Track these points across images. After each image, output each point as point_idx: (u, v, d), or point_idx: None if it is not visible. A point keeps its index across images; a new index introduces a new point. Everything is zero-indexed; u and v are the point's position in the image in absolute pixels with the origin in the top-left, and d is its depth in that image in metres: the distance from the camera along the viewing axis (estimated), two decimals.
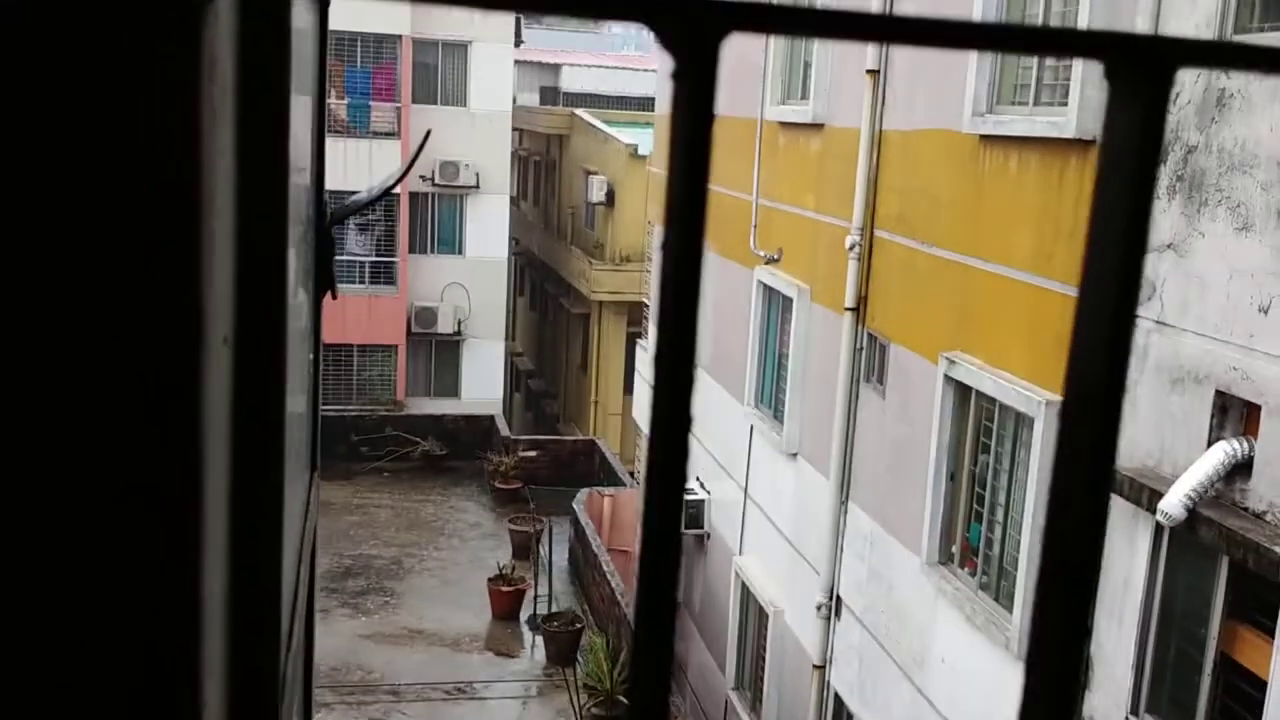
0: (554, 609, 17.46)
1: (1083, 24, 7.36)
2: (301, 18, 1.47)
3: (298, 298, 1.55)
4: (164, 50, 0.48)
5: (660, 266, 0.43)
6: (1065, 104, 7.67)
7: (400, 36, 25.46)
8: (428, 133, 3.99)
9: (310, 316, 1.74)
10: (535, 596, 17.74)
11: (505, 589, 17.79)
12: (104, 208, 0.51)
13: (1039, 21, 8.17)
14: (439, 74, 26.33)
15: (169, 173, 0.50)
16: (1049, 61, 8.17)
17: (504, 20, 26.62)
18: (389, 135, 25.44)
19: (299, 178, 1.60)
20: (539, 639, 17.16)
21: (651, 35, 0.42)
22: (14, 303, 0.52)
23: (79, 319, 0.53)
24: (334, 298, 1.84)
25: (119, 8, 0.48)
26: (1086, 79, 7.33)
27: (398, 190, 25.26)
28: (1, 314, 0.52)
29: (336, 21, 24.27)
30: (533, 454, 23.42)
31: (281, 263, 0.88)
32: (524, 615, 17.91)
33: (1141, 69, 0.45)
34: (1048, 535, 0.49)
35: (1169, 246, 6.66)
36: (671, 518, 0.44)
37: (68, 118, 0.50)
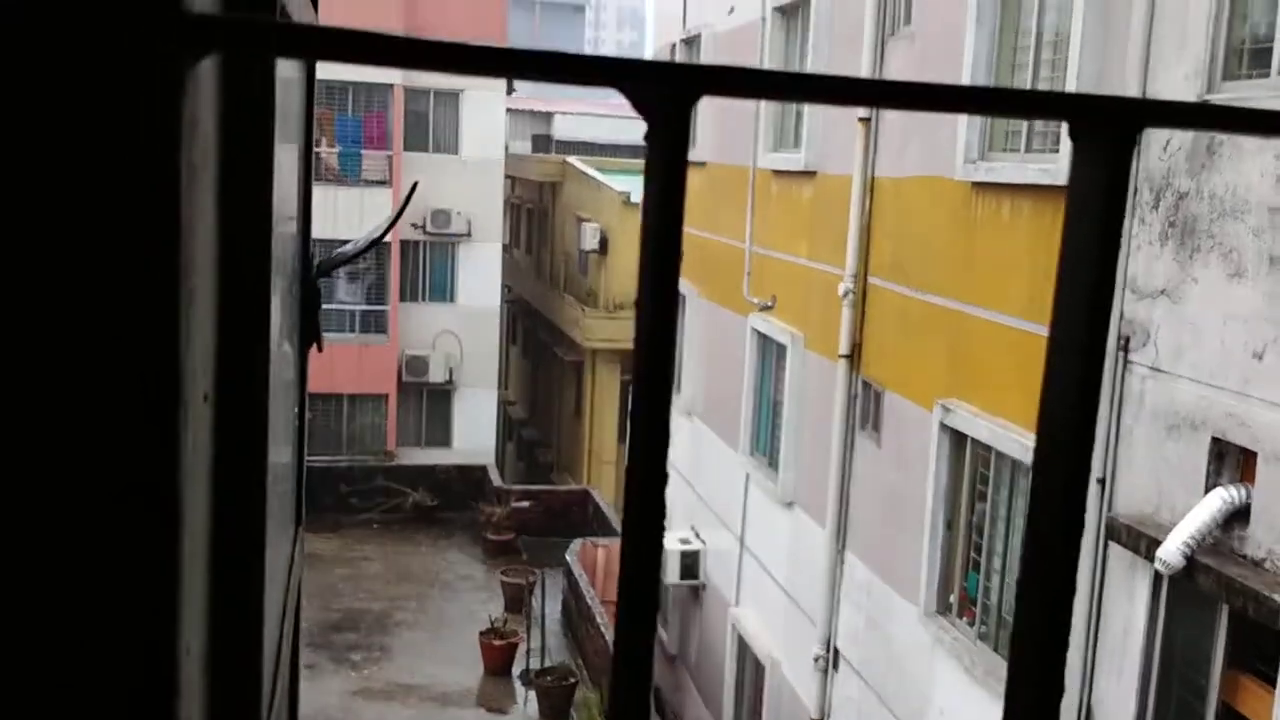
0: (547, 663, 17.26)
1: (1071, 74, 7.41)
2: (288, 68, 1.45)
3: (283, 349, 1.52)
4: (143, 115, 0.47)
5: (636, 323, 0.45)
6: (1056, 151, 7.71)
7: (392, 85, 25.63)
8: (414, 185, 4.04)
9: (296, 369, 1.71)
10: (528, 650, 17.55)
11: (497, 643, 17.60)
12: (80, 271, 0.51)
13: (1029, 72, 8.23)
14: (431, 122, 26.49)
15: (146, 235, 0.49)
16: None
17: None
18: (381, 183, 25.54)
19: (285, 228, 1.57)
20: (531, 694, 16.95)
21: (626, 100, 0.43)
22: None
23: (54, 379, 0.52)
24: (319, 350, 1.81)
25: (99, 72, 0.47)
26: None
27: (388, 239, 25.33)
28: None
29: (328, 71, 24.46)
30: (525, 504, 23.28)
31: (264, 319, 0.87)
32: (516, 670, 17.70)
33: (1105, 130, 0.46)
34: (1025, 567, 0.49)
35: (1162, 292, 6.66)
36: (650, 572, 0.45)
37: (46, 181, 0.50)
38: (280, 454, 1.55)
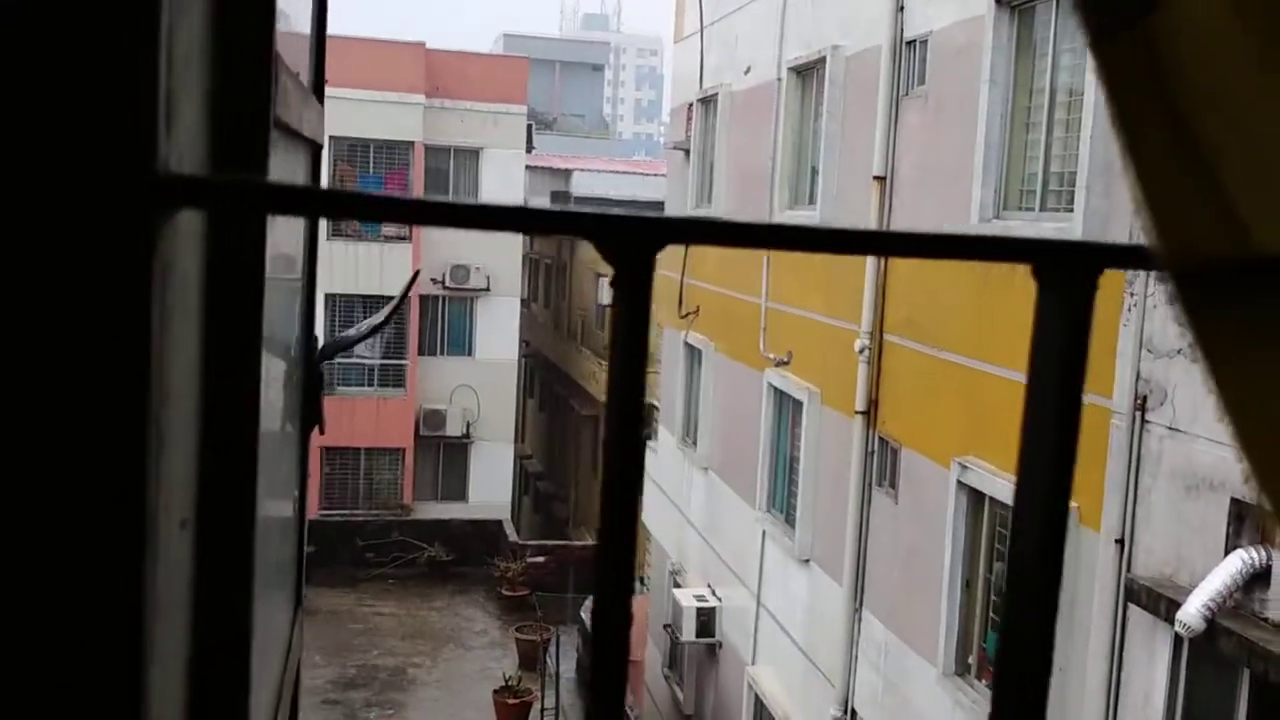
0: None
1: (1085, 132, 7.44)
2: (289, 172, 1.47)
3: (286, 432, 1.53)
4: (113, 266, 0.48)
5: (603, 464, 0.46)
6: (1071, 210, 7.72)
7: (413, 143, 25.92)
8: (415, 273, 4.19)
9: (296, 454, 1.72)
10: (542, 709, 17.39)
11: (511, 701, 17.45)
12: (43, 404, 0.51)
13: (1043, 131, 8.27)
14: (450, 179, 26.73)
15: (113, 376, 0.49)
16: (1054, 167, 8.25)
17: (516, 126, 27.10)
18: (400, 240, 25.74)
19: (289, 319, 1.59)
20: None
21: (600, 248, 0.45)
22: None
23: (10, 511, 0.51)
24: (321, 433, 1.82)
25: (72, 224, 0.49)
26: (1092, 186, 7.39)
27: (408, 295, 25.46)
28: None
29: (349, 128, 24.79)
30: (540, 559, 23.19)
31: (252, 438, 0.87)
32: None
33: (1067, 272, 0.48)
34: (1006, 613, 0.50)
35: (1179, 352, 6.64)
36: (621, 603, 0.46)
37: (20, 321, 0.50)
38: (282, 534, 1.55)
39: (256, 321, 0.85)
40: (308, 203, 0.56)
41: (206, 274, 0.73)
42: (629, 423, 0.44)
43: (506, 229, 0.46)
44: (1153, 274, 6.73)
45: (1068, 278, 0.48)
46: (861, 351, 10.54)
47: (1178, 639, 6.45)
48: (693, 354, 15.94)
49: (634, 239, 0.44)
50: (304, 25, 1.94)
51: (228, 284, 0.77)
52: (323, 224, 25.54)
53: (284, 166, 1.24)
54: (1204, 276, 0.44)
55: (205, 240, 0.73)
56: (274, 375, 1.29)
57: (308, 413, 1.73)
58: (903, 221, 10.17)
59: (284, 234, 1.36)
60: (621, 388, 0.44)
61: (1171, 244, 0.44)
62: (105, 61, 0.48)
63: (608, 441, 0.45)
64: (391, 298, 25.43)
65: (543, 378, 32.59)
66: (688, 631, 14.52)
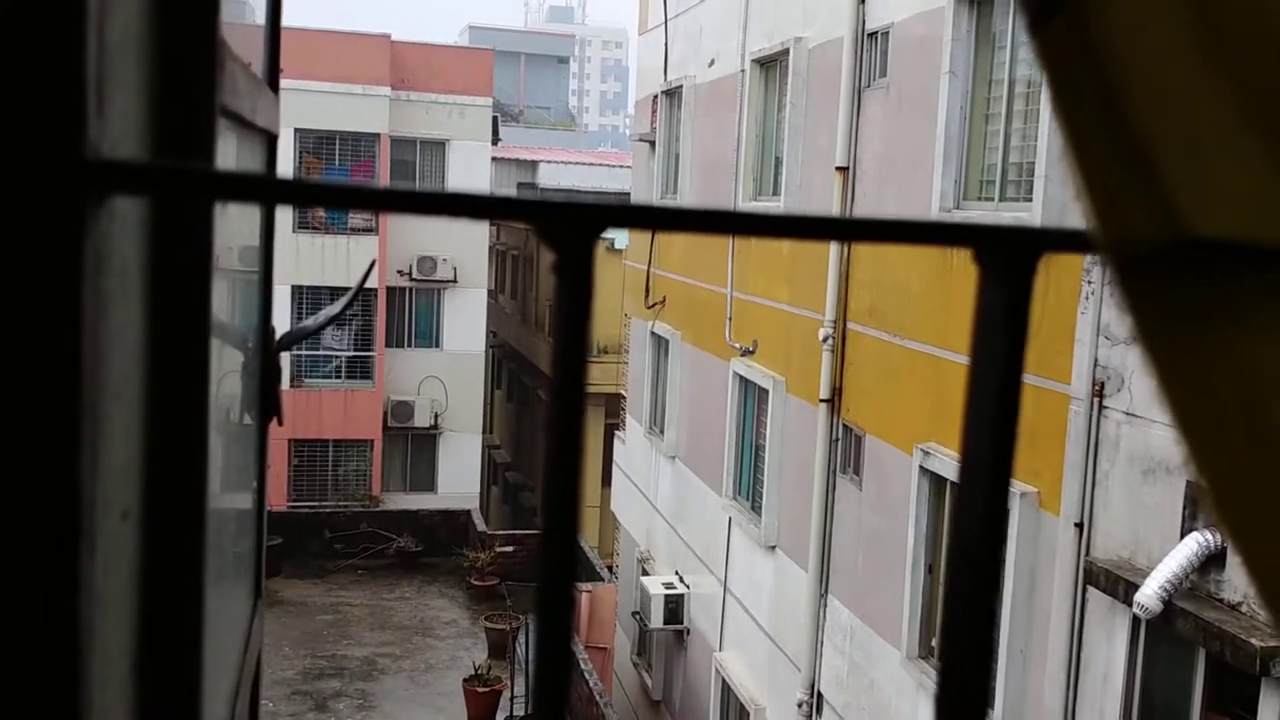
0: (531, 710, 17.12)
1: (1044, 123, 7.52)
2: (245, 163, 1.47)
3: (243, 423, 1.54)
4: (40, 253, 0.48)
5: (546, 438, 0.48)
6: (1030, 199, 7.81)
7: (378, 135, 25.77)
8: (372, 263, 4.14)
9: (255, 444, 1.73)
10: (512, 697, 17.41)
11: (481, 689, 17.46)
12: None
13: (1002, 122, 8.35)
14: (417, 171, 26.60)
15: (38, 359, 0.50)
16: (1013, 157, 8.33)
17: (481, 118, 27.00)
18: (367, 231, 25.61)
19: (246, 309, 1.60)
20: None
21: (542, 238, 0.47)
22: None
23: None
24: (279, 424, 1.84)
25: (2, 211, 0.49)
26: (1050, 175, 7.47)
27: (375, 285, 25.36)
28: None
29: (314, 120, 24.62)
30: (509, 549, 23.17)
31: (201, 425, 0.88)
32: (500, 716, 17.55)
33: (1007, 257, 0.48)
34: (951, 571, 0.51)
35: (1135, 339, 6.72)
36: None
37: None
38: (241, 524, 1.57)
39: (204, 310, 0.86)
40: (244, 188, 0.57)
41: (151, 262, 0.74)
42: (570, 406, 0.46)
43: (445, 214, 0.47)
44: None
45: (1008, 262, 0.49)
46: (825, 340, 10.61)
47: (1136, 620, 6.56)
48: (659, 344, 15.98)
49: (572, 223, 0.45)
50: (258, 16, 1.94)
51: (172, 272, 0.77)
52: (288, 216, 25.34)
53: (235, 156, 1.25)
54: (1140, 260, 0.44)
55: (149, 228, 0.74)
56: (229, 365, 1.30)
57: (265, 403, 1.74)
58: (865, 211, 10.23)
59: (237, 224, 1.38)
60: (564, 371, 0.46)
61: (1109, 228, 0.44)
62: (28, 43, 0.49)
63: (549, 424, 0.46)
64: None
65: (510, 369, 32.53)
66: (656, 618, 14.58)
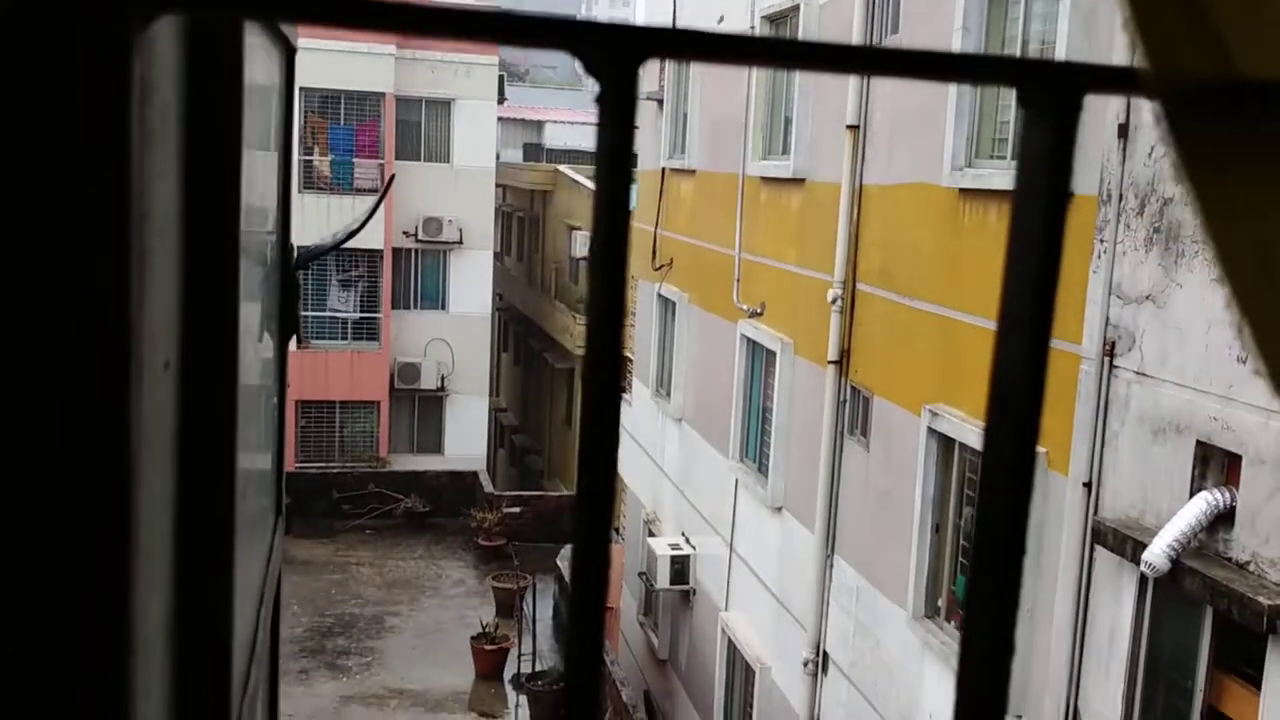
0: (538, 668, 17.26)
1: (1061, 40, 7.43)
2: (264, 73, 1.46)
3: (262, 340, 1.53)
4: (88, 75, 0.48)
5: (588, 285, 0.46)
6: None
7: (384, 94, 25.65)
8: (391, 177, 4.08)
9: (276, 356, 1.73)
10: (519, 655, 17.54)
11: (489, 648, 17.59)
12: (21, 223, 0.50)
13: (1018, 41, 8.26)
14: (422, 131, 26.50)
15: (93, 191, 0.49)
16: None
17: (487, 78, 26.85)
18: (373, 191, 25.54)
19: (263, 224, 1.59)
20: (523, 699, 16.94)
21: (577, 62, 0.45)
22: None
23: None
24: (299, 345, 1.83)
25: (45, 34, 0.49)
26: None
27: (381, 246, 25.32)
28: None
29: (319, 79, 24.49)
30: (516, 510, 23.28)
31: (233, 285, 0.87)
32: (508, 674, 17.69)
33: (1052, 95, 0.47)
34: (978, 538, 0.49)
35: (1147, 298, 6.70)
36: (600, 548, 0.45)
37: None
38: (259, 442, 1.56)
39: (236, 145, 0.85)
40: (288, 2, 0.54)
41: (186, 99, 0.73)
42: (613, 256, 0.45)
43: (478, 38, 0.45)
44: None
45: (1051, 100, 0.48)
46: (834, 301, 10.58)
47: (1143, 579, 6.57)
48: (667, 306, 15.95)
49: (618, 48, 0.43)
50: None
51: (208, 105, 0.76)
52: (294, 176, 25.25)
53: (262, 66, 1.24)
54: (1189, 99, 0.44)
55: (186, 67, 0.73)
56: (252, 270, 1.30)
57: (285, 320, 1.73)
58: (875, 172, 10.18)
59: (257, 106, 1.36)
60: (608, 215, 0.45)
61: (1158, 66, 0.44)
62: None
63: (590, 266, 0.45)
64: (364, 250, 25.28)
65: (516, 331, 32.52)
66: (662, 579, 14.65)
